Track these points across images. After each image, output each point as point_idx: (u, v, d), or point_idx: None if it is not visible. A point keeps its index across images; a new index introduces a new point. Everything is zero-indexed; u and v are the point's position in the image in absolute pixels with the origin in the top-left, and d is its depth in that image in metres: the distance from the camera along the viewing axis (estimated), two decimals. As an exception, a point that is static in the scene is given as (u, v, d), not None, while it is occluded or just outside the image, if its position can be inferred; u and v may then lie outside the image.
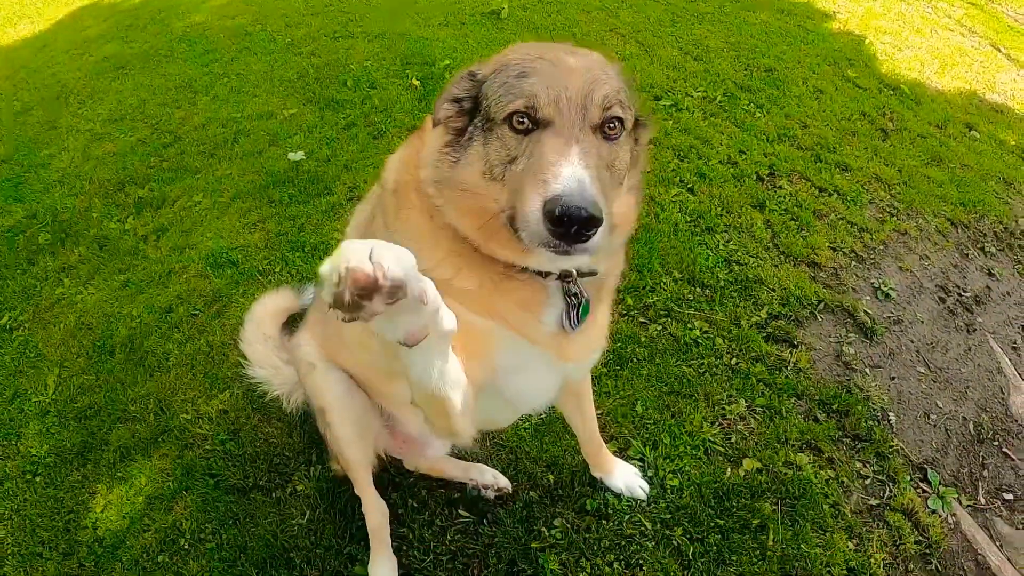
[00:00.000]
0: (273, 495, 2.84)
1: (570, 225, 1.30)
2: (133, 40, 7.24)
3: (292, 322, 2.92)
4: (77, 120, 5.90)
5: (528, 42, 1.65)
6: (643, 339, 3.05)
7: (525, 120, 1.46)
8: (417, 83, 5.15)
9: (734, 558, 2.50)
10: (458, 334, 1.41)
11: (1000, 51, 7.17)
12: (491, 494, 2.66)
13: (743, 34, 6.11)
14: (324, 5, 6.75)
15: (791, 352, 3.14)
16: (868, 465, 2.90)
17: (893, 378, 3.29)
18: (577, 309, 1.67)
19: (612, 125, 1.51)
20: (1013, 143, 5.29)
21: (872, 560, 2.62)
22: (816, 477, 2.76)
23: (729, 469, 2.70)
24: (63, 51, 7.50)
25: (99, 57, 6.98)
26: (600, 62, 1.58)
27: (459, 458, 2.76)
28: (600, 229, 1.33)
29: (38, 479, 3.11)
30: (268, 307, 2.87)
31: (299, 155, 4.65)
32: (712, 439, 2.76)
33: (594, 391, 2.55)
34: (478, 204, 1.55)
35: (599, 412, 2.69)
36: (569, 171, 1.35)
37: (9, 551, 2.85)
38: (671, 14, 6.47)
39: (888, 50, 6.24)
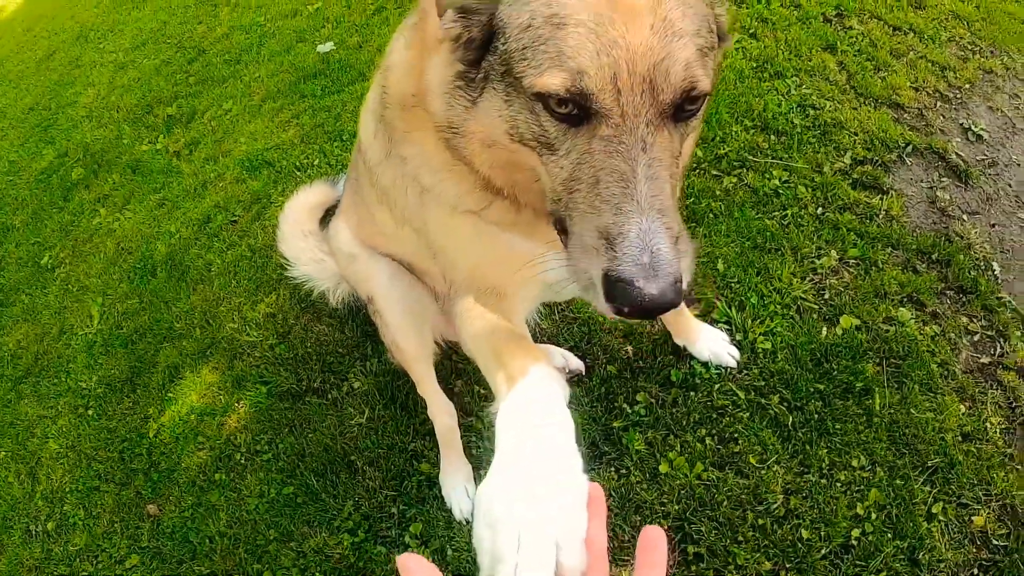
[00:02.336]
0: (329, 396, 2.59)
1: (640, 315, 0.97)
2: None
3: (331, 215, 2.60)
4: (99, 55, 5.71)
5: None
6: (718, 192, 2.64)
7: (569, 105, 1.00)
8: None
9: (838, 426, 2.16)
10: (500, 261, 1.26)
11: None
12: (563, 377, 2.31)
13: None
14: None
15: (881, 199, 2.72)
16: (975, 320, 2.51)
17: (993, 225, 2.87)
18: None
19: (691, 105, 1.04)
20: None
21: (988, 424, 2.27)
22: (921, 334, 2.38)
23: (825, 328, 2.33)
24: (79, -9, 7.03)
25: (116, -11, 6.55)
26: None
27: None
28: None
29: (90, 411, 2.96)
30: (303, 203, 2.54)
31: (328, 46, 4.35)
32: (804, 296, 2.37)
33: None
34: (512, 159, 1.15)
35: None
36: (638, 236, 0.98)
37: (68, 488, 2.72)
38: None
39: None
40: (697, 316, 2.27)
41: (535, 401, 1.08)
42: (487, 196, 1.30)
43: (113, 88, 5.08)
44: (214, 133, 4.11)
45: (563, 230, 1.11)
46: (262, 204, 3.41)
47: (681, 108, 1.02)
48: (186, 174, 3.89)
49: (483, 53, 1.10)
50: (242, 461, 2.52)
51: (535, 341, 2.33)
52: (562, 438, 0.97)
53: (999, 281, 2.68)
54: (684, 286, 0.98)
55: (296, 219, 2.57)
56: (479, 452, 2.21)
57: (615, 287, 0.96)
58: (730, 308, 2.30)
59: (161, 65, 5.07)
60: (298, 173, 3.44)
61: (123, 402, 2.91)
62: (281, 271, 2.72)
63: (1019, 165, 3.14)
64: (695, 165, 2.71)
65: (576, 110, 1.01)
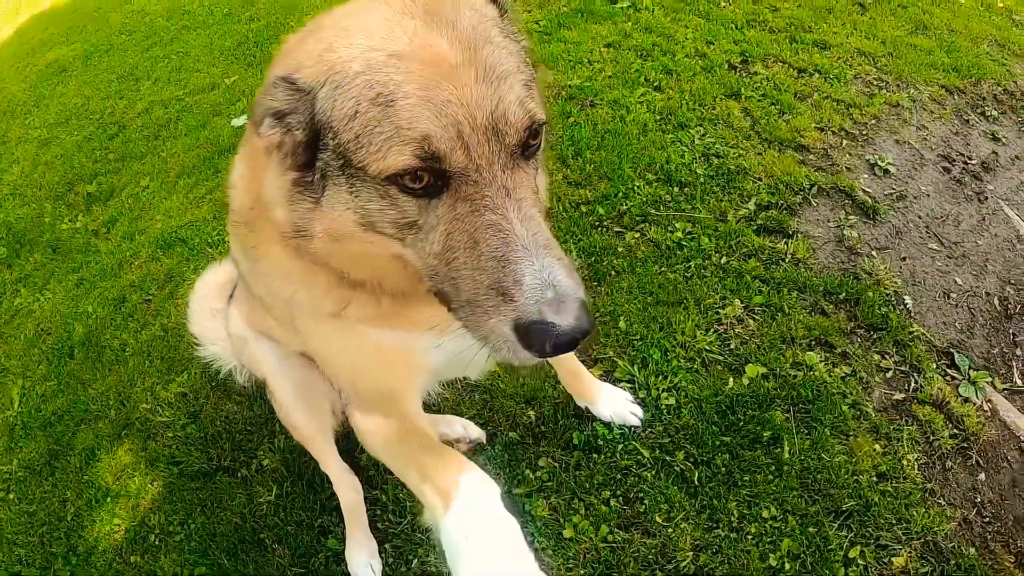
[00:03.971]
0: (239, 475, 2.61)
1: (564, 349, 1.00)
2: (74, 41, 7.05)
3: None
4: (24, 130, 5.77)
5: (350, 6, 1.16)
6: (620, 249, 2.68)
7: (424, 176, 1.04)
8: None
9: (747, 478, 2.16)
10: (376, 362, 1.30)
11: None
12: (463, 447, 2.31)
13: None
14: None
15: (787, 243, 2.78)
16: (888, 356, 2.55)
17: (904, 258, 2.93)
18: None
19: (534, 140, 1.09)
20: (1001, 5, 4.87)
21: (904, 462, 2.29)
22: (830, 376, 2.41)
23: (731, 379, 2.35)
24: (9, 66, 7.34)
25: (42, 65, 6.84)
26: (481, 26, 1.09)
27: (425, 408, 2.40)
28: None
29: (11, 496, 2.94)
30: (211, 282, 2.59)
31: (242, 120, 4.47)
32: (708, 348, 2.40)
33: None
34: (369, 250, 1.17)
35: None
36: (533, 276, 0.99)
37: (-11, 573, 2.68)
38: None
39: None
40: (599, 376, 2.26)
41: (478, 516, 1.18)
42: (345, 294, 1.31)
43: (36, 165, 5.14)
44: (131, 211, 4.19)
45: (448, 301, 1.12)
46: (175, 282, 3.48)
47: (527, 145, 1.07)
48: (103, 253, 3.94)
49: (314, 152, 1.09)
50: (156, 542, 2.52)
51: (436, 411, 2.32)
52: (513, 541, 1.11)
53: (911, 314, 2.72)
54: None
55: (204, 298, 2.63)
56: (385, 526, 2.20)
57: (530, 332, 0.98)
58: (632, 366, 2.32)
59: (83, 141, 5.15)
60: (210, 250, 3.53)
61: (43, 485, 2.90)
62: (192, 350, 2.76)
63: (928, 196, 3.21)
64: (596, 223, 2.75)
65: (432, 179, 1.04)
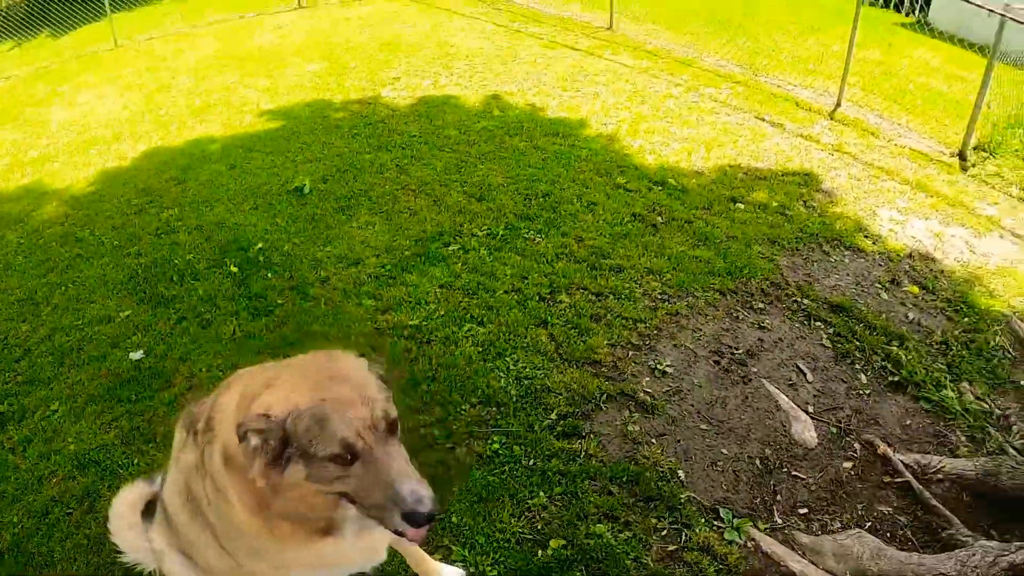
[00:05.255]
0: None
1: (425, 522, 2.29)
2: (-30, 262, 8.02)
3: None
4: None
5: (295, 360, 2.57)
6: (451, 462, 4.02)
7: (348, 456, 2.32)
8: (235, 269, 6.25)
9: (556, 626, 3.42)
10: None
11: (764, 120, 9.03)
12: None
13: (521, 166, 7.65)
14: (145, 202, 7.78)
15: (581, 443, 4.22)
16: (662, 519, 3.94)
17: (679, 440, 4.40)
18: None
19: (395, 423, 2.45)
20: (775, 204, 6.81)
21: (678, 596, 3.57)
22: (616, 540, 3.76)
23: (539, 551, 3.67)
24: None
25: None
26: (359, 372, 2.48)
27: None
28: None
29: None
30: (125, 500, 3.66)
31: (139, 354, 5.53)
32: (520, 530, 3.74)
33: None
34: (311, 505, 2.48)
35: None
36: (410, 489, 2.27)
37: None
38: (456, 162, 7.94)
39: (657, 148, 7.91)
40: (439, 559, 3.53)
41: None
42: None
43: (-60, 389, 5.98)
44: (44, 432, 4.98)
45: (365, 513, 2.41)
46: (92, 499, 4.35)
47: (391, 430, 2.39)
48: (23, 469, 4.70)
49: (283, 449, 2.38)
50: None
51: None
52: None
53: (683, 484, 4.15)
54: None
55: (121, 514, 3.55)
56: None
57: (411, 517, 2.25)
58: (464, 549, 3.63)
59: (-10, 362, 6.05)
60: (121, 471, 4.50)
61: None
62: (114, 556, 3.58)
63: (700, 387, 4.74)
64: (431, 443, 4.11)
65: (349, 455, 2.32)
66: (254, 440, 2.28)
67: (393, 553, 3.55)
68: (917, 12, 19.73)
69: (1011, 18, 9.21)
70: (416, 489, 2.24)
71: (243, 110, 10.07)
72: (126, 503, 3.56)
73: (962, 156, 9.36)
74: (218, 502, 2.62)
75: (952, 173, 8.82)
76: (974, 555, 3.83)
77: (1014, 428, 5.03)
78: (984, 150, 9.62)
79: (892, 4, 19.41)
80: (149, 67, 12.60)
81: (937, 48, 14.85)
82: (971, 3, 10.73)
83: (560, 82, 10.40)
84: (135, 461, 4.56)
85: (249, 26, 14.83)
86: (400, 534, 2.39)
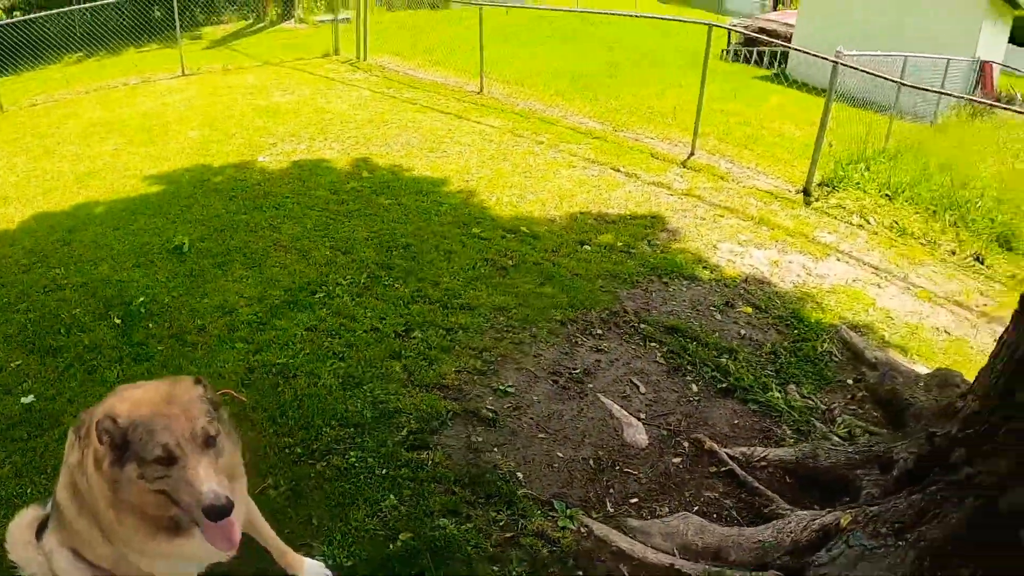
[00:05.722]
0: None
1: (218, 516, 3.03)
2: None
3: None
4: None
5: (137, 387, 3.28)
6: (312, 474, 4.76)
7: (168, 459, 3.05)
8: (119, 321, 6.87)
9: (404, 604, 4.16)
10: None
11: (619, 171, 10.15)
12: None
13: (385, 221, 8.61)
14: (33, 262, 8.30)
15: (428, 453, 5.03)
16: (501, 512, 4.74)
17: (518, 448, 5.22)
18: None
19: (211, 438, 3.19)
20: (620, 244, 7.83)
21: (514, 573, 4.33)
22: (459, 530, 4.55)
23: (390, 544, 4.43)
24: None
25: None
26: (189, 395, 3.20)
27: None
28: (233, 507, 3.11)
29: None
30: (21, 522, 4.26)
31: (30, 398, 6.09)
32: (373, 527, 4.51)
33: (277, 521, 4.17)
34: (144, 501, 3.21)
35: (287, 536, 4.27)
36: (209, 488, 3.00)
37: None
38: (325, 219, 8.88)
39: (513, 201, 8.95)
40: (305, 554, 4.22)
41: None
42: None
43: None
44: None
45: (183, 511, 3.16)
46: None
47: (206, 443, 3.13)
48: None
49: (125, 450, 3.13)
50: None
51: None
52: None
53: (521, 483, 4.94)
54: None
55: (16, 535, 4.07)
56: None
57: (208, 511, 2.97)
58: (324, 545, 4.34)
59: None
60: (16, 500, 4.95)
61: None
62: (13, 572, 4.08)
63: (539, 403, 5.60)
64: (295, 460, 4.86)
65: (170, 459, 3.08)
66: (104, 438, 3.02)
67: (261, 549, 4.25)
68: (776, 65, 21.76)
69: (842, 63, 10.67)
70: (214, 489, 2.95)
71: (127, 175, 10.83)
72: (21, 525, 4.20)
73: (806, 192, 10.70)
74: (91, 496, 3.32)
75: (796, 208, 10.10)
76: (790, 523, 4.70)
77: (838, 420, 6.04)
78: (828, 185, 11.02)
79: (753, 60, 21.37)
80: (35, 132, 13.29)
81: (792, 96, 16.52)
82: (807, 53, 12.23)
83: (428, 144, 11.57)
84: (28, 491, 5.14)
85: (133, 93, 15.78)
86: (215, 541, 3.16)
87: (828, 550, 4.31)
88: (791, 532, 4.57)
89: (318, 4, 27.12)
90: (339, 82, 15.72)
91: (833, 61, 10.61)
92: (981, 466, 3.91)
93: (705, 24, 11.90)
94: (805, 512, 4.80)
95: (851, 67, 10.99)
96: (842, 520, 4.46)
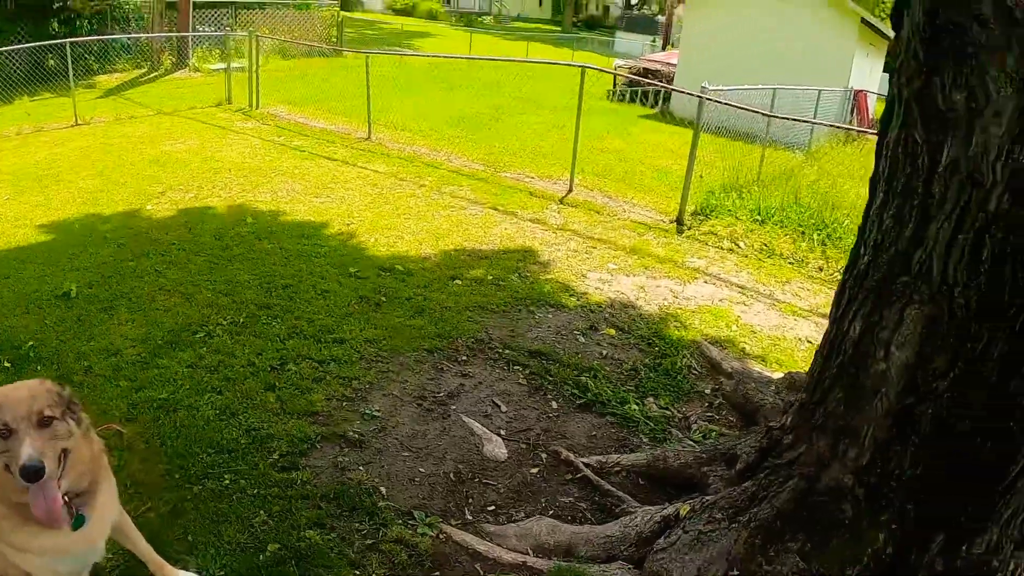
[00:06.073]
0: None
1: (32, 477, 3.47)
2: None
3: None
4: None
5: (6, 387, 3.72)
6: (189, 496, 5.19)
7: (6, 432, 3.47)
8: (8, 364, 7.10)
9: (269, 609, 4.59)
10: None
11: (497, 209, 10.72)
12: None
13: (267, 264, 9.15)
14: None
15: (297, 474, 5.49)
16: (363, 523, 5.22)
17: (383, 466, 5.71)
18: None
19: (46, 419, 3.59)
20: (491, 277, 8.46)
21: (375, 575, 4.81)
22: (323, 540, 5.01)
23: (260, 555, 4.86)
24: None
25: None
26: (40, 388, 3.62)
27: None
28: (46, 470, 3.48)
29: None
30: None
31: None
32: (244, 541, 4.95)
33: (157, 540, 4.56)
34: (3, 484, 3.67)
35: (165, 553, 4.66)
36: (26, 452, 3.44)
37: None
38: (209, 264, 9.35)
39: (391, 242, 9.54)
40: (182, 568, 4.63)
41: None
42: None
43: None
44: None
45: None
46: None
47: (42, 422, 3.54)
48: None
49: None
50: None
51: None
52: None
53: (384, 496, 5.41)
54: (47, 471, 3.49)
55: None
56: None
57: (23, 472, 3.33)
58: (198, 559, 4.76)
59: None
60: None
61: None
62: None
63: (404, 424, 6.13)
64: (174, 484, 5.26)
65: (7, 432, 3.48)
66: None
67: (139, 564, 4.65)
68: (660, 104, 22.88)
69: (706, 98, 11.55)
70: (30, 453, 3.35)
71: (18, 224, 11.08)
72: None
73: (679, 221, 11.52)
74: None
75: (669, 236, 10.88)
76: (635, 517, 5.25)
77: (694, 426, 6.69)
78: (701, 214, 11.86)
79: (638, 99, 22.45)
80: (-77, 181, 13.56)
81: (673, 132, 17.49)
82: (676, 91, 13.13)
83: (313, 189, 12.14)
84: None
85: (26, 142, 15.96)
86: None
87: (666, 536, 4.82)
88: (636, 526, 5.09)
89: (212, 53, 27.62)
90: (230, 131, 16.20)
91: (699, 96, 11.50)
92: (802, 449, 4.42)
93: (579, 67, 12.77)
94: (649, 507, 5.31)
95: (715, 101, 11.91)
96: (681, 510, 5.02)
